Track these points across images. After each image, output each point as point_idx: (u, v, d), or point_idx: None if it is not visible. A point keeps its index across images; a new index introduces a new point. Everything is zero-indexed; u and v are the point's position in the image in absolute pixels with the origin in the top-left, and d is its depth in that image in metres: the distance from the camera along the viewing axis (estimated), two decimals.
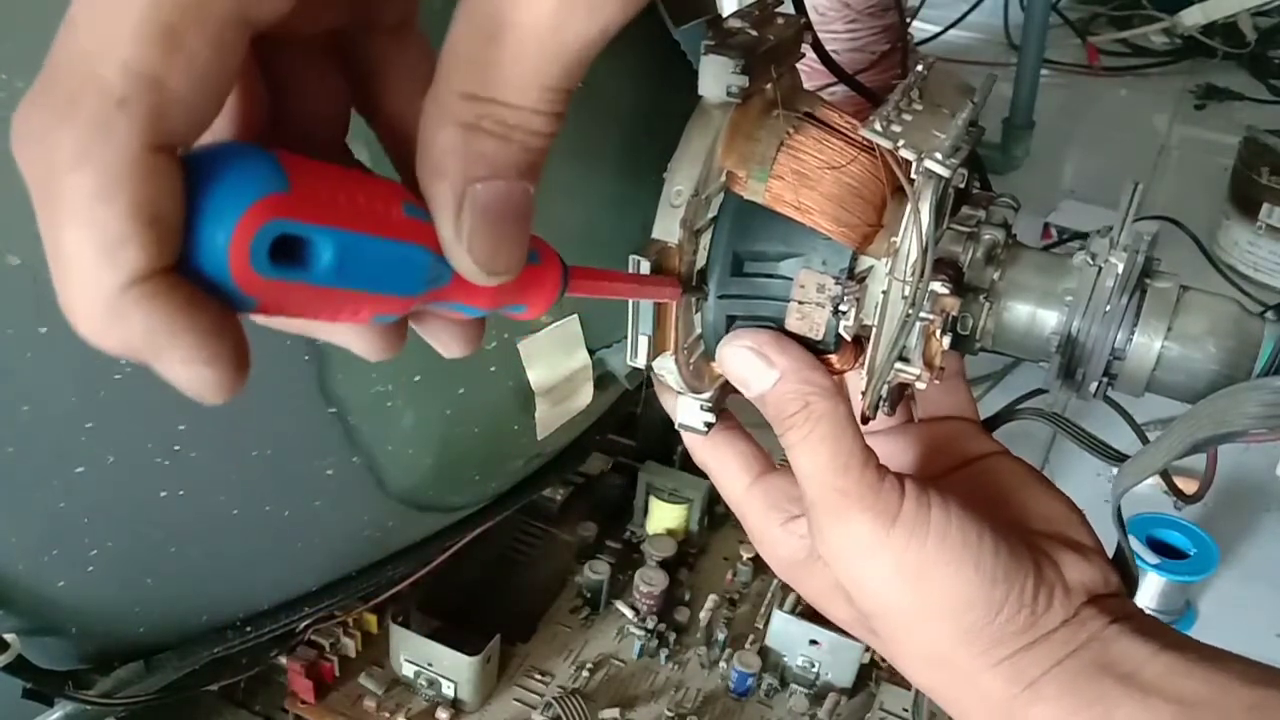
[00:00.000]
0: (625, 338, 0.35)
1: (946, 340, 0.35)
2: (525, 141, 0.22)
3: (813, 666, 0.63)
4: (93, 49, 0.18)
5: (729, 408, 0.40)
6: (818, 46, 0.42)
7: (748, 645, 0.65)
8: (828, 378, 0.35)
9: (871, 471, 0.34)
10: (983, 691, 0.33)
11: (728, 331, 0.36)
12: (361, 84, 0.25)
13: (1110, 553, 0.37)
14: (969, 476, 0.39)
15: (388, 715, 0.60)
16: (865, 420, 0.36)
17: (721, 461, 0.39)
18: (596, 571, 0.67)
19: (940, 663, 0.34)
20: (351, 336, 0.24)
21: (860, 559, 0.34)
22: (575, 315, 0.47)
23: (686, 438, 0.40)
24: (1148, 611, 0.37)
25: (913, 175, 0.32)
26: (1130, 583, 0.36)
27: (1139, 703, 0.31)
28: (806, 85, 0.38)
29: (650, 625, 0.65)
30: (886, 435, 0.42)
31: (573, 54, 0.22)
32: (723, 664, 0.64)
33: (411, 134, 0.23)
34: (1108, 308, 0.35)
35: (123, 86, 0.17)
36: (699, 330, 0.37)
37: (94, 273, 0.18)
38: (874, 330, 0.35)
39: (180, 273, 0.18)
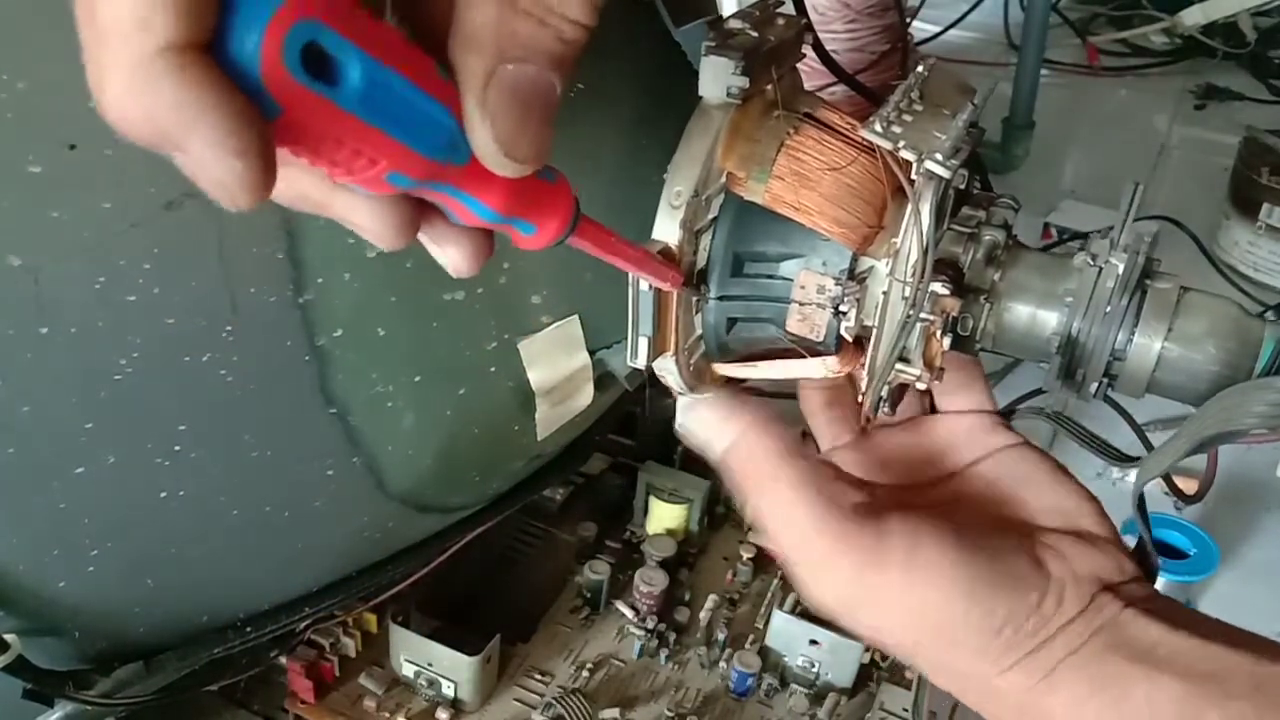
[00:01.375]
0: (625, 339, 0.34)
1: (947, 341, 0.35)
2: (560, 30, 0.22)
3: (813, 666, 0.63)
4: None
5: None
6: (818, 47, 0.42)
7: (748, 645, 0.65)
8: (786, 439, 0.35)
9: (846, 523, 0.33)
10: (999, 693, 0.34)
11: (728, 333, 0.36)
12: None
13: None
14: (984, 471, 0.39)
15: (388, 715, 0.60)
16: (868, 421, 0.36)
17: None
18: (596, 571, 0.67)
19: (956, 676, 0.35)
20: (364, 210, 0.24)
21: (852, 609, 0.34)
22: (575, 316, 0.47)
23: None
24: None
25: (913, 176, 0.32)
26: (1150, 572, 0.37)
27: (1152, 681, 0.32)
28: (806, 85, 0.38)
29: (650, 625, 0.65)
30: (905, 427, 0.42)
31: None
32: (723, 664, 0.64)
33: (444, 26, 0.23)
34: (1108, 309, 0.35)
35: None
36: (699, 331, 0.37)
37: (128, 37, 0.17)
38: (874, 331, 0.35)
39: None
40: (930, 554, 0.33)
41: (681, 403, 0.36)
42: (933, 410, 0.42)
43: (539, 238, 0.26)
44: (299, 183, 0.23)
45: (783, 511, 0.34)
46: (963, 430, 0.41)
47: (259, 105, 0.19)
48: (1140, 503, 0.37)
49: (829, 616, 0.35)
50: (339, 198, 0.24)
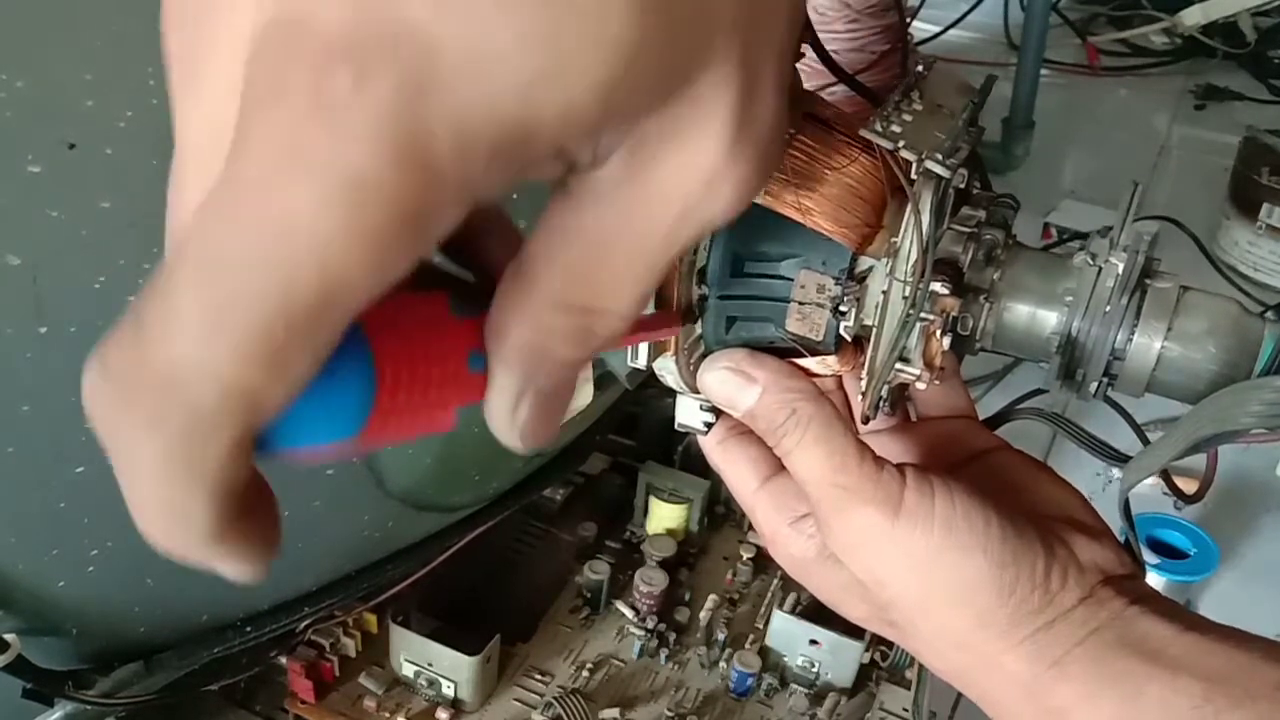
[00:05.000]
0: None
1: (946, 340, 0.35)
2: (598, 343, 0.22)
3: (813, 666, 0.63)
4: (188, 358, 0.17)
5: None
6: (817, 47, 0.41)
7: (748, 645, 0.65)
8: (809, 383, 0.35)
9: (869, 464, 0.34)
10: (1006, 673, 0.33)
11: (728, 332, 0.36)
12: None
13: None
14: (973, 472, 0.39)
15: (388, 715, 0.60)
16: (866, 421, 0.36)
17: (731, 464, 0.40)
18: (596, 571, 0.67)
19: (960, 648, 0.34)
20: None
21: (870, 551, 0.34)
22: None
23: (699, 438, 0.40)
24: None
25: (913, 176, 0.32)
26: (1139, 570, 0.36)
27: (1167, 681, 0.31)
28: (806, 85, 0.38)
29: (650, 625, 0.65)
30: (889, 435, 0.42)
31: (673, 256, 0.22)
32: (723, 664, 0.64)
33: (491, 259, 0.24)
34: (1107, 308, 0.35)
35: (215, 405, 0.17)
36: (699, 331, 0.37)
37: (166, 527, 0.19)
38: (874, 330, 0.35)
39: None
40: (972, 515, 0.33)
41: (703, 364, 0.36)
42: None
43: None
44: None
45: (821, 446, 0.34)
46: (946, 435, 0.41)
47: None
48: (1126, 506, 0.37)
49: (843, 558, 0.35)
50: None
